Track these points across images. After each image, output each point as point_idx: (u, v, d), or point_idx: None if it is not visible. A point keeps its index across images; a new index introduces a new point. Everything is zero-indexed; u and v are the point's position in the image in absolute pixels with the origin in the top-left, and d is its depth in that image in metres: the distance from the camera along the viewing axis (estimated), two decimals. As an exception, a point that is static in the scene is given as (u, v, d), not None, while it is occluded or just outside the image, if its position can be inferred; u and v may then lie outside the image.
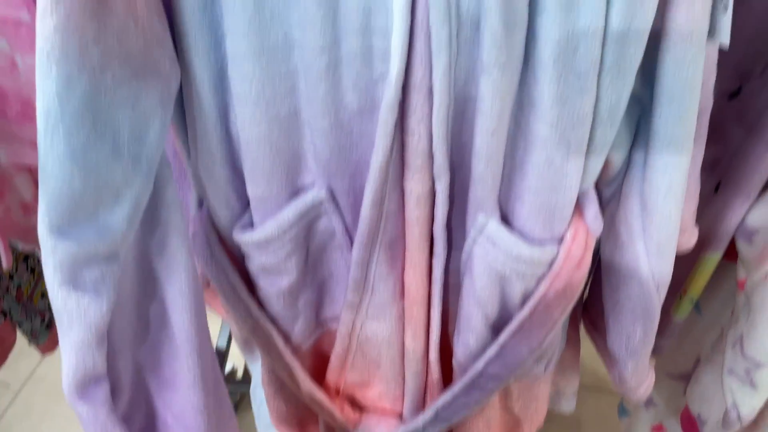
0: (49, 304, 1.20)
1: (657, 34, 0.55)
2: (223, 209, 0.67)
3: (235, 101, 0.58)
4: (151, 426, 0.63)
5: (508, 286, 0.65)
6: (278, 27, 0.55)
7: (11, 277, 1.13)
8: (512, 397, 0.85)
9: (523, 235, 0.63)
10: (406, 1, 0.50)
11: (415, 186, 0.61)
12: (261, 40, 0.55)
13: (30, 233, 0.91)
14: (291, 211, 0.64)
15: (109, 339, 0.55)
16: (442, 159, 0.58)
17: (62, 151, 0.49)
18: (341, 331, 0.73)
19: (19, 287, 1.19)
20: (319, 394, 0.79)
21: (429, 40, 0.52)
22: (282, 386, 0.83)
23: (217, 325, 1.42)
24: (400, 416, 0.83)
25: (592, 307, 0.85)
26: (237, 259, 0.70)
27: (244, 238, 0.66)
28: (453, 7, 0.51)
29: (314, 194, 0.64)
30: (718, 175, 0.86)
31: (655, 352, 1.03)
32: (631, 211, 0.65)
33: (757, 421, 0.94)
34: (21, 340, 1.20)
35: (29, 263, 1.17)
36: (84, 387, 0.55)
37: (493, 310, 0.67)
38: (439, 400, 0.75)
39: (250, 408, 1.07)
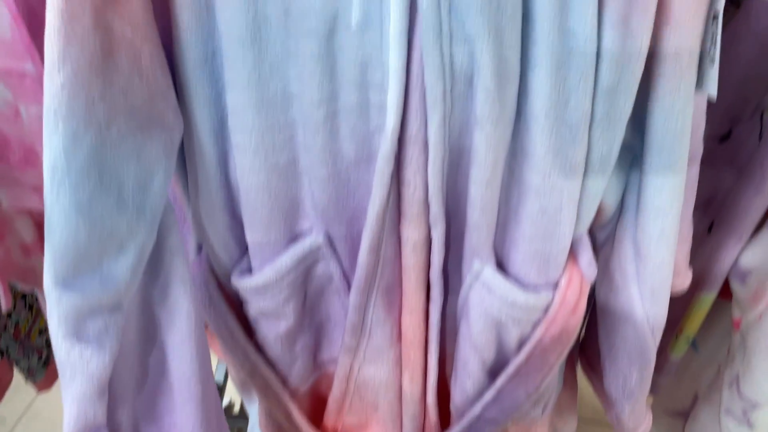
0: (46, 341, 1.21)
1: (646, 86, 0.57)
2: (221, 254, 0.68)
3: (234, 151, 0.60)
4: None
5: (505, 331, 0.66)
6: (277, 80, 0.56)
7: (9, 314, 1.13)
8: (510, 438, 0.85)
9: (518, 281, 0.64)
10: (402, 58, 0.52)
11: (411, 233, 0.62)
12: (261, 93, 0.56)
13: (29, 274, 0.92)
14: (289, 256, 0.65)
15: (110, 388, 0.56)
16: (438, 208, 0.59)
17: (68, 204, 0.50)
18: (338, 374, 0.73)
19: (17, 324, 1.19)
20: (317, 437, 0.79)
21: (424, 94, 0.54)
22: (279, 429, 0.83)
23: (214, 359, 1.42)
24: (398, 458, 0.83)
25: (588, 348, 0.85)
26: (235, 304, 0.71)
27: (242, 284, 0.67)
28: (447, 63, 0.52)
29: (312, 240, 0.65)
30: (711, 215, 0.87)
31: (653, 390, 1.03)
32: (625, 256, 0.66)
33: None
34: (17, 375, 1.20)
35: (27, 300, 1.17)
36: None
37: (489, 354, 0.68)
38: (437, 444, 0.75)
39: (248, 445, 1.07)
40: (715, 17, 0.55)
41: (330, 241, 0.65)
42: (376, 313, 0.67)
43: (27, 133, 0.70)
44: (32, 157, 0.73)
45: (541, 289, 0.64)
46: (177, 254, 0.60)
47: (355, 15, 0.52)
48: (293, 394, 0.76)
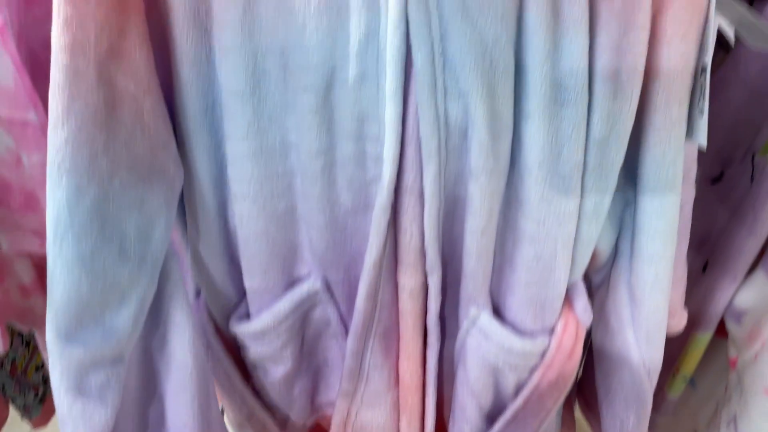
0: (43, 378, 1.20)
1: (638, 136, 0.58)
2: (220, 299, 0.69)
3: (233, 199, 0.60)
4: None
5: (502, 377, 0.66)
6: (276, 131, 0.57)
7: (6, 351, 1.13)
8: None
9: (514, 327, 0.64)
10: (397, 112, 0.53)
11: (408, 280, 0.62)
12: (259, 143, 0.57)
13: (28, 315, 0.92)
14: (287, 302, 0.65)
15: None
16: (434, 255, 0.60)
17: (71, 257, 0.51)
18: (336, 419, 0.73)
19: (13, 361, 1.18)
20: (315, 480, 0.79)
21: (419, 147, 0.55)
22: (277, 472, 0.83)
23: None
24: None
25: (586, 389, 0.85)
26: (233, 348, 0.71)
27: (240, 329, 0.67)
28: (441, 118, 0.53)
29: (310, 285, 0.65)
30: (705, 255, 0.88)
31: (651, 428, 1.03)
32: (620, 300, 0.67)
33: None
34: (13, 412, 1.19)
35: (24, 337, 1.17)
36: None
37: (487, 400, 0.68)
38: (435, 488, 0.75)
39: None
40: (704, 70, 0.56)
41: (327, 285, 0.66)
42: (374, 358, 0.67)
43: (28, 179, 0.71)
44: (33, 202, 0.74)
45: (537, 335, 0.64)
46: (177, 301, 0.60)
47: (352, 71, 0.53)
48: (291, 438, 0.76)
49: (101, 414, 0.53)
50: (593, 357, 0.76)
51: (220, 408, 0.69)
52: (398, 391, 0.71)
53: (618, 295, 0.67)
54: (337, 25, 0.52)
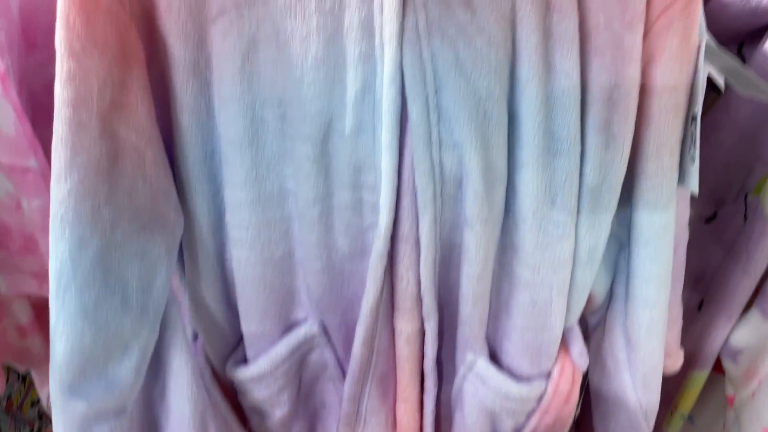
0: (38, 414, 1.19)
1: (630, 184, 0.59)
2: (217, 343, 0.69)
3: (231, 244, 0.61)
4: None
5: (499, 421, 0.66)
6: (274, 178, 0.58)
7: (2, 388, 1.13)
8: None
9: (511, 372, 0.64)
10: (393, 163, 0.54)
11: (404, 326, 0.63)
12: (257, 191, 0.58)
13: (25, 355, 0.92)
14: (284, 346, 0.65)
15: None
16: (431, 302, 0.60)
17: (74, 310, 0.51)
18: (334, 463, 0.73)
19: (9, 397, 1.18)
20: None
21: (415, 196, 0.56)
22: None
23: None
24: None
25: (584, 429, 0.85)
26: (230, 392, 0.71)
27: (237, 374, 0.67)
28: (436, 168, 0.54)
29: (307, 329, 0.66)
30: (700, 293, 0.89)
31: (650, 465, 1.02)
32: (616, 343, 0.67)
33: None
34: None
35: (20, 372, 1.17)
36: None
37: (484, 445, 0.68)
38: None
39: None
40: (694, 119, 0.57)
41: (324, 329, 0.66)
42: (371, 402, 0.67)
43: (27, 223, 0.71)
44: (32, 245, 0.74)
45: (534, 380, 0.64)
46: (176, 348, 0.60)
47: (348, 122, 0.54)
48: (288, 481, 0.76)
49: None
50: (591, 398, 0.76)
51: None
52: (396, 436, 0.71)
53: (614, 338, 0.67)
54: (334, 77, 0.53)
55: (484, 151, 0.54)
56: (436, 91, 0.52)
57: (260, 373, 0.66)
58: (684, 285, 0.77)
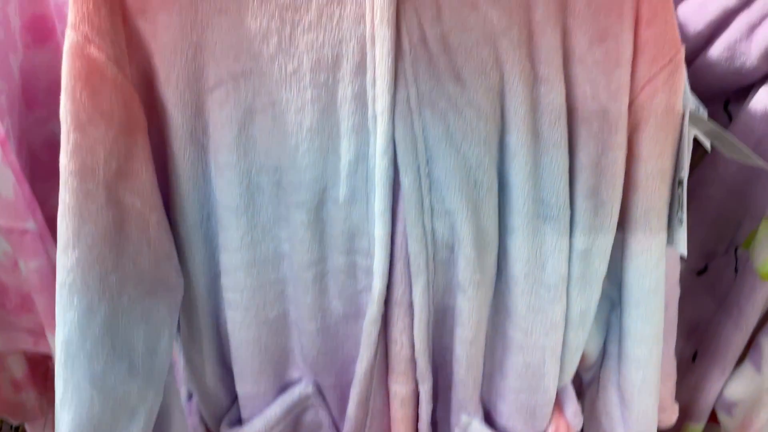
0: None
1: (620, 246, 0.60)
2: (212, 404, 0.69)
3: (226, 306, 0.61)
4: None
5: (495, 482, 0.66)
6: (269, 242, 0.59)
7: (-5, 439, 1.12)
8: None
9: (506, 433, 0.64)
10: (386, 230, 0.55)
11: (399, 388, 0.63)
12: (253, 254, 0.58)
13: (18, 409, 0.91)
14: (278, 406, 0.65)
15: None
16: (425, 365, 0.61)
17: (82, 378, 0.52)
18: None
19: (2, 447, 1.17)
20: None
21: (408, 261, 0.57)
22: None
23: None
24: None
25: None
26: (225, 452, 0.71)
27: (232, 435, 0.67)
28: (429, 235, 0.55)
29: (301, 389, 0.66)
30: (694, 344, 0.89)
31: None
32: (610, 401, 0.67)
33: None
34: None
35: (13, 425, 1.16)
36: None
37: (480, 505, 0.67)
38: None
39: None
40: (680, 183, 0.58)
41: (319, 390, 0.66)
42: (367, 463, 0.67)
43: (24, 282, 0.72)
44: (28, 304, 0.75)
45: (529, 441, 0.64)
46: (174, 411, 0.61)
47: (342, 190, 0.55)
48: None
49: None
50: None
51: None
52: (391, 496, 0.70)
53: (608, 395, 0.68)
54: (328, 147, 0.54)
55: (475, 218, 0.55)
56: (427, 161, 0.54)
57: (255, 434, 0.66)
58: (678, 336, 0.78)
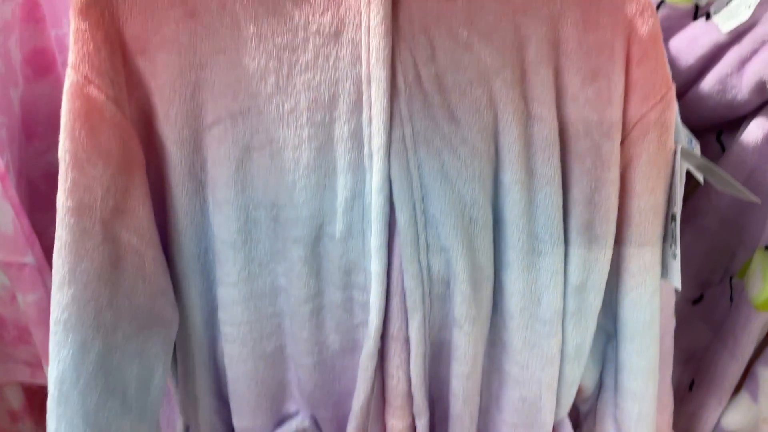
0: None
1: (614, 281, 0.61)
2: (208, 437, 0.69)
3: (223, 340, 0.62)
4: None
5: None
6: (266, 276, 0.59)
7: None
8: None
9: (503, 467, 0.64)
10: (383, 265, 0.55)
11: (396, 423, 0.63)
12: (250, 288, 0.59)
13: (15, 440, 0.91)
14: (276, 440, 0.65)
15: None
16: (421, 399, 0.61)
17: (74, 415, 0.51)
18: None
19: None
20: None
21: (404, 296, 0.57)
22: None
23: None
24: None
25: None
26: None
27: (228, 470, 0.67)
28: (425, 271, 0.56)
29: (298, 422, 0.66)
30: (691, 372, 0.89)
31: None
32: (607, 433, 0.67)
33: None
34: None
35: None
36: None
37: None
38: None
39: None
40: (673, 218, 0.59)
41: (316, 423, 0.66)
42: (363, 497, 0.67)
43: (22, 315, 0.72)
44: (26, 336, 0.75)
45: (525, 475, 0.64)
46: None
47: (339, 226, 0.55)
48: None
49: None
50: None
51: None
52: None
53: (605, 427, 0.67)
54: (325, 184, 0.55)
55: (470, 254, 0.55)
56: (423, 198, 0.54)
57: (251, 468, 0.66)
58: (674, 364, 0.78)
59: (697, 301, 0.86)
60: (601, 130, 0.55)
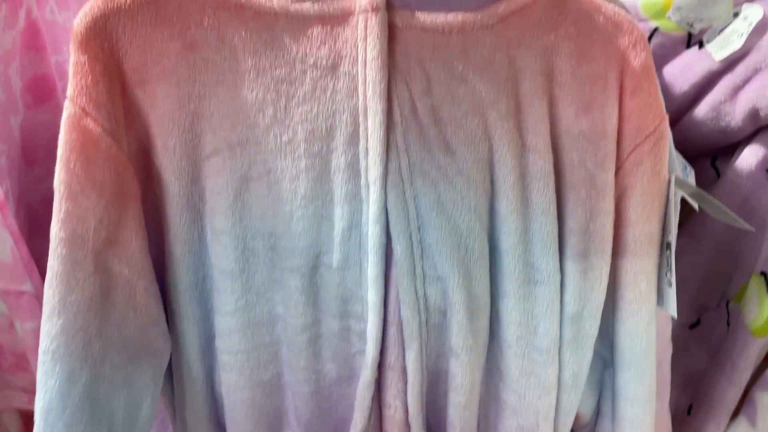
0: None
1: (611, 309, 0.61)
2: (206, 465, 0.68)
3: (220, 368, 0.62)
4: None
5: None
6: (263, 304, 0.59)
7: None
8: None
9: (500, 497, 0.64)
10: (379, 295, 0.55)
11: (393, 451, 0.63)
12: (247, 317, 0.59)
13: (13, 467, 0.91)
14: (273, 468, 0.65)
15: None
16: (418, 429, 0.61)
17: None
18: None
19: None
20: None
21: (401, 326, 0.57)
22: None
23: None
24: None
25: None
26: None
27: (225, 498, 0.67)
28: (421, 300, 0.56)
29: (296, 450, 0.66)
30: (689, 396, 0.89)
31: None
32: (606, 461, 0.67)
33: None
34: None
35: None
36: None
37: None
38: None
39: None
40: (668, 246, 0.59)
41: (313, 452, 0.66)
42: None
43: (20, 342, 0.72)
44: (23, 362, 0.75)
45: (523, 504, 0.64)
46: None
47: (336, 256, 0.56)
48: None
49: None
50: None
51: None
52: None
53: (604, 455, 0.68)
54: (322, 214, 0.55)
55: (466, 284, 0.56)
56: (419, 229, 0.55)
57: (249, 497, 0.65)
58: (672, 388, 0.78)
59: (694, 325, 0.86)
60: (596, 160, 0.56)
